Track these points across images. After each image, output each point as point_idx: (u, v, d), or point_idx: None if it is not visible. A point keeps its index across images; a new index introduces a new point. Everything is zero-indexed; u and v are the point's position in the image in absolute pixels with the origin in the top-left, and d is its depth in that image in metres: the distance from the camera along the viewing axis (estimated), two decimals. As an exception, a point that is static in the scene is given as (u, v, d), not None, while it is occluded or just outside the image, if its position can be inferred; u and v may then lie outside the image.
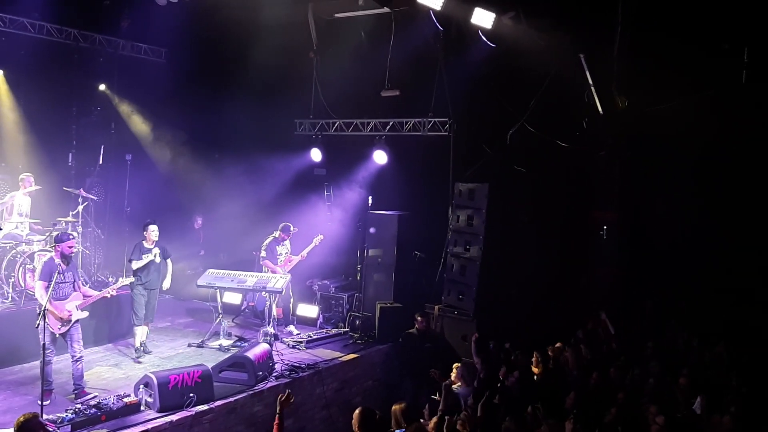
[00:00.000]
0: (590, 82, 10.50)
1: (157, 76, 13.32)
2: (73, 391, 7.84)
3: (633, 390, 7.38)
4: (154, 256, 9.54)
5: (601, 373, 7.81)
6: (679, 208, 10.84)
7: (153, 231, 9.59)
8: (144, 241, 9.59)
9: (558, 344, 8.68)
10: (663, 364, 8.22)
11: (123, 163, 12.18)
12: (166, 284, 9.86)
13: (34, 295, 8.97)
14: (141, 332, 9.56)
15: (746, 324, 9.82)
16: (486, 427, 6.05)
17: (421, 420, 6.77)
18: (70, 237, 8.00)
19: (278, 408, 6.14)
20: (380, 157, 12.20)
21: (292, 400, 6.21)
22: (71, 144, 12.31)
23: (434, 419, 6.52)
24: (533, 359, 8.29)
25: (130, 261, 9.58)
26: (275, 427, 6.12)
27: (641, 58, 10.30)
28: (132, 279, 9.09)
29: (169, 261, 9.84)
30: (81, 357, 7.89)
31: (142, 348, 9.55)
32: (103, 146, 12.41)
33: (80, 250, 10.77)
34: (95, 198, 11.68)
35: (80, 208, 10.87)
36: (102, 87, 12.90)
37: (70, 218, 10.71)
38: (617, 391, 7.32)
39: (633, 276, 11.17)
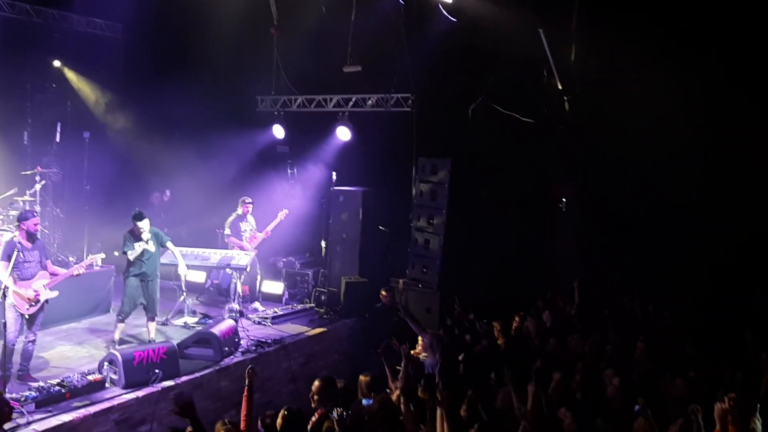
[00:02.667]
0: (549, 56, 10.62)
1: (113, 53, 13.07)
2: (18, 371, 7.55)
3: (592, 355, 7.61)
4: (147, 242, 8.81)
5: (560, 340, 8.03)
6: (637, 180, 11.10)
7: (143, 228, 8.75)
8: (132, 229, 8.85)
9: (520, 314, 8.88)
10: (621, 330, 8.49)
11: (80, 140, 11.89)
12: (183, 270, 9.35)
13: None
14: (122, 328, 8.91)
15: (700, 292, 10.19)
16: (448, 395, 6.18)
17: (387, 390, 6.89)
18: (34, 214, 7.77)
19: (247, 381, 6.16)
20: (343, 134, 12.21)
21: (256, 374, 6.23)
22: (26, 122, 12.03)
23: (398, 390, 6.64)
24: (495, 329, 8.47)
25: (124, 253, 8.78)
26: (244, 399, 6.16)
27: (599, 32, 10.45)
28: (103, 255, 8.46)
29: (170, 244, 9.22)
30: (35, 339, 7.72)
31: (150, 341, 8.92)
32: (59, 124, 12.13)
33: (39, 229, 10.55)
34: (55, 171, 11.44)
35: (38, 186, 10.65)
36: (57, 63, 12.59)
37: (27, 197, 10.50)
38: (577, 357, 7.55)
39: (592, 247, 11.43)
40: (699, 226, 10.65)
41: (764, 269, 9.97)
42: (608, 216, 11.29)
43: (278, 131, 12.92)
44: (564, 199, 11.81)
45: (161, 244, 9.11)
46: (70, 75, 12.75)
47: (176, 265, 10.45)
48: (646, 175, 10.93)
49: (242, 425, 5.78)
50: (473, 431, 5.59)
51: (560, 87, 10.76)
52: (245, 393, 6.08)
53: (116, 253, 8.64)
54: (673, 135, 10.28)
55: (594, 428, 5.75)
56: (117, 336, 8.90)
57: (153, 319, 9.10)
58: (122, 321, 8.87)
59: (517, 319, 8.81)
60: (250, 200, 11.31)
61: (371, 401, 6.36)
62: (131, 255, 8.76)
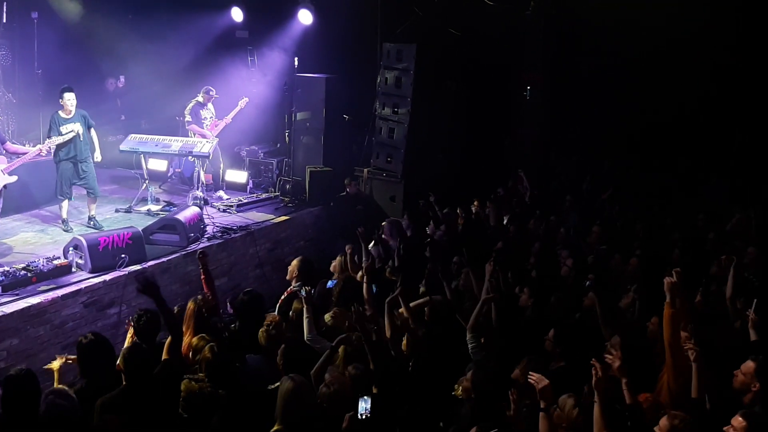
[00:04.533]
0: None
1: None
2: None
3: (548, 238, 7.91)
4: (77, 130, 8.58)
5: (518, 226, 8.30)
6: (601, 69, 11.12)
7: (69, 100, 8.59)
8: (60, 112, 8.62)
9: (477, 201, 9.07)
10: (579, 216, 8.81)
11: (29, 21, 11.26)
12: (98, 156, 9.09)
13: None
14: (66, 205, 8.92)
15: (655, 182, 10.54)
16: (409, 274, 6.42)
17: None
18: None
19: (200, 264, 6.31)
20: (305, 17, 11.80)
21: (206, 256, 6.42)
22: (-34, 1, 11.27)
23: (362, 271, 6.84)
24: (458, 214, 8.69)
25: (49, 137, 8.45)
26: (203, 281, 6.30)
27: None
28: (59, 140, 8.38)
29: (92, 131, 9.01)
30: None
31: (92, 223, 9.03)
32: (5, 2, 11.39)
33: (-9, 115, 10.24)
34: (3, 53, 10.90)
35: (-14, 71, 10.20)
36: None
37: (-25, 82, 10.07)
38: (534, 240, 7.84)
39: (554, 135, 11.59)
40: (659, 116, 10.85)
41: (718, 156, 10.32)
42: (571, 103, 11.38)
43: (237, 14, 12.42)
44: (528, 87, 11.79)
45: (88, 127, 8.92)
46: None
47: (136, 152, 10.40)
48: (611, 63, 10.96)
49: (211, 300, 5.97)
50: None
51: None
52: (202, 276, 6.23)
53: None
54: (637, 19, 10.22)
55: (548, 303, 6.08)
56: (64, 213, 8.93)
57: (94, 200, 9.11)
58: (67, 198, 8.89)
59: (475, 203, 8.99)
60: (215, 92, 11.06)
61: (336, 282, 6.58)
62: (58, 140, 8.49)
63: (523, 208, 9.20)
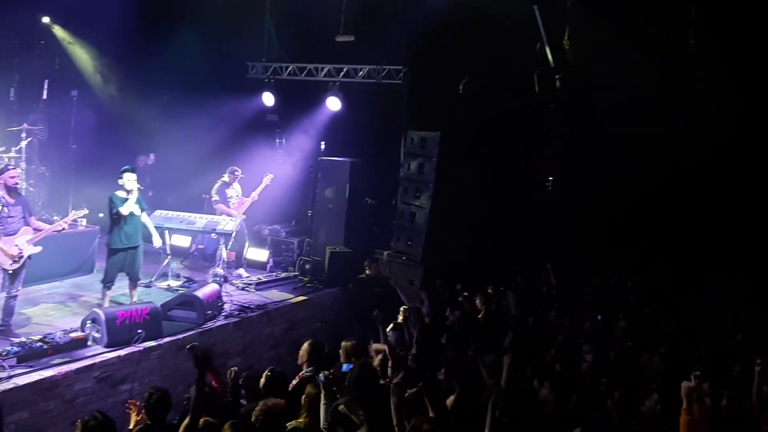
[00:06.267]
0: (543, 34, 10.60)
1: (105, 10, 12.76)
2: (0, 327, 7.51)
3: (571, 332, 7.75)
4: (134, 211, 8.54)
5: (538, 317, 8.16)
6: (624, 163, 11.20)
7: (129, 180, 8.47)
8: (119, 192, 8.51)
9: (491, 288, 8.93)
10: (601, 309, 8.64)
11: (68, 99, 11.76)
12: (158, 242, 9.09)
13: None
14: (110, 295, 8.68)
15: (679, 275, 10.39)
16: (427, 363, 6.28)
17: (369, 357, 6.96)
18: (9, 167, 7.66)
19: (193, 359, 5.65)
20: (334, 104, 12.14)
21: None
22: (13, 78, 11.82)
23: (380, 355, 6.71)
24: (477, 302, 8.57)
25: (116, 214, 8.41)
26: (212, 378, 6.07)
27: (594, 13, 10.45)
28: (86, 211, 8.44)
29: (144, 214, 8.87)
30: (17, 295, 7.65)
31: None
32: (47, 81, 11.95)
33: (24, 187, 10.48)
34: (41, 128, 11.33)
35: (23, 144, 10.53)
36: (46, 19, 12.37)
37: (12, 154, 10.39)
38: (555, 332, 7.68)
39: (575, 226, 11.55)
40: (684, 210, 10.81)
41: (742, 255, 10.17)
42: (593, 195, 11.39)
43: (268, 99, 12.82)
44: (551, 178, 11.89)
45: (142, 210, 8.90)
46: (59, 32, 12.55)
47: (161, 228, 10.47)
48: (633, 158, 11.04)
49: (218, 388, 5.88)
50: (452, 400, 5.70)
51: (552, 65, 10.77)
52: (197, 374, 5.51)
53: (101, 215, 8.62)
54: (663, 116, 10.36)
55: (569, 403, 5.87)
56: (106, 302, 8.68)
57: (135, 286, 8.97)
58: (109, 288, 8.68)
59: (490, 291, 8.86)
60: (240, 173, 11.30)
61: (351, 366, 6.44)
62: (125, 210, 8.44)
63: (543, 300, 9.07)
